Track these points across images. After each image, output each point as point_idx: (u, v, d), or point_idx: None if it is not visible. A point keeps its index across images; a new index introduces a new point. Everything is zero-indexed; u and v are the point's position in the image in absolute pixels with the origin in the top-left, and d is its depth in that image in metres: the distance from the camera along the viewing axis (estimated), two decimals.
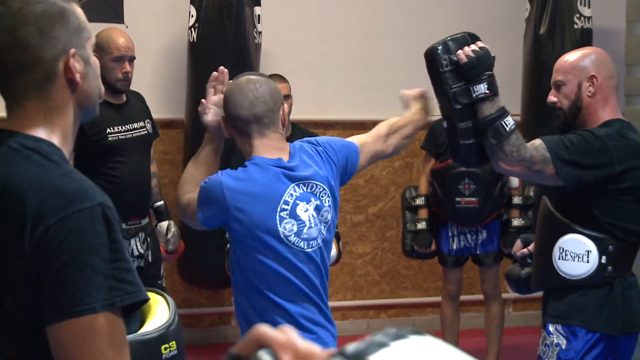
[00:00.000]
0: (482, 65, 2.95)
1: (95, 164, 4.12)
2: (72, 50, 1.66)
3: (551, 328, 3.02)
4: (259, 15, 5.46)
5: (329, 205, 2.73)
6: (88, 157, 4.12)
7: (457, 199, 4.89)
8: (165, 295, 1.79)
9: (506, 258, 5.08)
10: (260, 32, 5.47)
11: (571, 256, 2.99)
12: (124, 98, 4.36)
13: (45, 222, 1.54)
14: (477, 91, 2.93)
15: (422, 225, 5.00)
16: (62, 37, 1.65)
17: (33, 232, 1.54)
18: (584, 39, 5.60)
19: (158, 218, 4.52)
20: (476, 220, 4.87)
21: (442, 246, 5.14)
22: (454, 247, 5.14)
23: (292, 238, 2.64)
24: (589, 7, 5.63)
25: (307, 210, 2.68)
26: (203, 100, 2.86)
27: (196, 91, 5.28)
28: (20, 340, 1.61)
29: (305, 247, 2.67)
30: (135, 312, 1.65)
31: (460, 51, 2.97)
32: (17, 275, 1.57)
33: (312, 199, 2.68)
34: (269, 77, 4.85)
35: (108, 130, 4.23)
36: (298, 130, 4.94)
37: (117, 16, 5.44)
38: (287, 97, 4.74)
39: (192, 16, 5.36)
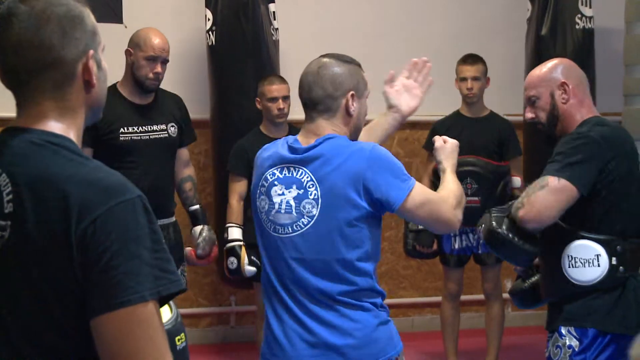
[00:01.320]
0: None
1: (108, 162, 4.05)
2: (91, 52, 1.68)
3: (564, 330, 3.02)
4: (274, 12, 5.48)
5: (315, 199, 2.65)
6: (102, 154, 4.12)
7: None
8: None
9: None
10: (277, 29, 5.49)
11: (581, 262, 3.00)
12: (151, 99, 4.37)
13: (91, 214, 1.55)
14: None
15: None
16: (83, 39, 1.67)
17: (80, 223, 1.55)
18: (586, 39, 5.66)
19: (193, 222, 4.51)
20: (478, 220, 4.83)
21: (444, 246, 5.13)
22: (456, 246, 5.13)
23: (263, 216, 2.68)
24: (590, 7, 5.66)
25: (282, 194, 2.66)
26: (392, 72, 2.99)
27: (219, 93, 5.43)
28: (60, 333, 1.62)
29: (271, 230, 2.67)
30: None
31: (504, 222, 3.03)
32: (60, 270, 1.58)
33: (294, 187, 2.65)
34: (268, 78, 4.87)
35: (121, 129, 4.24)
36: (295, 130, 4.87)
37: (115, 16, 5.48)
38: (286, 98, 4.80)
39: (209, 20, 5.40)
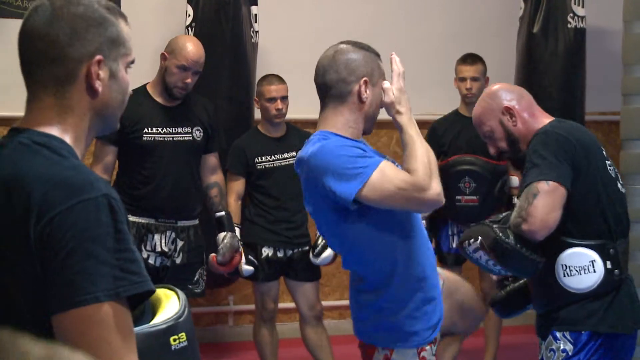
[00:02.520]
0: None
1: (131, 161, 4.23)
2: (99, 57, 1.69)
3: (558, 334, 3.02)
4: (255, 15, 5.48)
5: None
6: (125, 153, 4.23)
7: (458, 197, 4.86)
8: (177, 290, 1.79)
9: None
10: (257, 32, 5.48)
11: (576, 270, 2.99)
12: (179, 101, 4.39)
13: (50, 212, 1.56)
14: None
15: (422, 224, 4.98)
16: (94, 42, 1.69)
17: (38, 222, 1.56)
18: (578, 38, 5.68)
19: (218, 229, 4.49)
20: (476, 219, 4.81)
21: (442, 245, 5.11)
22: (454, 245, 5.07)
23: None
24: (582, 7, 5.68)
25: None
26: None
27: (195, 91, 5.33)
28: (26, 330, 1.55)
29: None
30: (145, 305, 1.68)
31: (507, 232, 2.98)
32: (23, 266, 1.59)
33: None
34: (267, 78, 4.85)
35: (145, 130, 4.27)
36: (292, 129, 4.98)
37: None
38: (285, 98, 4.82)
39: (189, 15, 5.39)
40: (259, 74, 5.37)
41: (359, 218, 2.64)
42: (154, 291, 1.65)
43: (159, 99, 4.35)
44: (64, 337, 1.55)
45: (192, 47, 4.38)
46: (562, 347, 3.02)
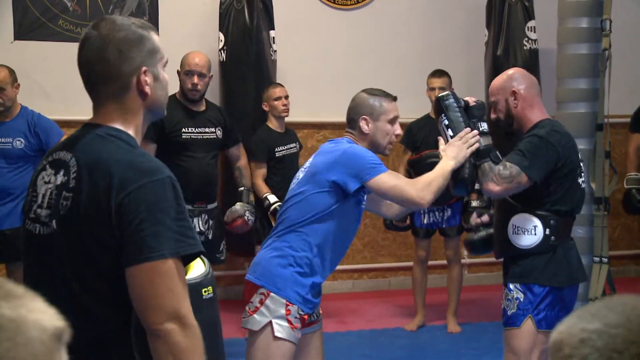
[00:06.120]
0: (483, 108, 3.20)
1: (170, 155, 4.38)
2: (144, 68, 1.77)
3: (511, 286, 3.14)
4: (273, 37, 5.78)
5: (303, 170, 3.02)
6: (165, 148, 4.48)
7: None
8: (203, 257, 1.85)
9: (465, 231, 5.22)
10: (275, 51, 5.79)
11: (522, 231, 3.10)
12: (202, 107, 4.72)
13: (127, 188, 1.65)
14: (482, 126, 3.14)
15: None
16: (138, 57, 1.76)
17: (117, 195, 1.65)
18: (532, 57, 6.02)
19: (238, 199, 4.88)
20: (443, 201, 4.88)
21: (415, 221, 5.39)
22: (425, 221, 5.40)
23: None
24: (534, 32, 6.06)
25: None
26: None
27: (227, 102, 5.65)
28: (106, 281, 1.71)
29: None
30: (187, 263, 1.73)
31: (467, 97, 3.19)
32: (104, 230, 1.67)
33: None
34: (270, 85, 5.23)
35: (183, 129, 4.59)
36: (290, 130, 5.38)
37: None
38: (287, 97, 5.21)
39: (221, 41, 5.70)
40: None
41: (344, 200, 2.91)
42: (204, 252, 1.73)
43: (189, 106, 4.62)
44: (136, 285, 1.64)
45: (192, 54, 4.65)
46: (515, 296, 3.13)
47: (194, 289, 1.74)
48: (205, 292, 1.81)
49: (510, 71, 3.28)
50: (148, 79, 1.76)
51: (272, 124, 5.25)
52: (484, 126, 3.14)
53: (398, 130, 3.08)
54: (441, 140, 3.11)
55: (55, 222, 1.73)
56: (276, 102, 5.15)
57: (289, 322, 2.87)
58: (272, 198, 5.04)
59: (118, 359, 1.73)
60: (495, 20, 6.08)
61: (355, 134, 3.08)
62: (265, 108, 5.22)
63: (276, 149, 5.22)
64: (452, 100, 3.13)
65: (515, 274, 3.15)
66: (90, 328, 1.68)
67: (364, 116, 3.05)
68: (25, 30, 5.79)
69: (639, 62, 6.93)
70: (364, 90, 3.13)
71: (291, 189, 3.05)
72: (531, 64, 5.95)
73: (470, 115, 3.13)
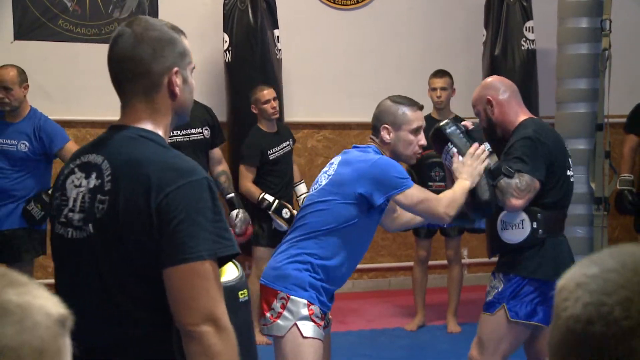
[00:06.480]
0: (480, 130, 3.24)
1: None
2: (176, 69, 1.78)
3: (495, 275, 3.24)
4: (278, 36, 5.80)
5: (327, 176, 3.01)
6: None
7: (429, 183, 5.00)
8: (235, 260, 1.86)
9: (466, 232, 5.44)
10: (280, 50, 5.80)
11: (510, 226, 3.16)
12: None
13: (166, 189, 1.65)
14: (487, 147, 3.16)
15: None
16: (170, 57, 1.77)
17: (157, 196, 1.65)
18: (529, 57, 6.02)
19: (230, 207, 4.76)
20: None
21: None
22: (426, 221, 5.22)
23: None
24: (532, 33, 6.04)
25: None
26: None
27: (234, 103, 5.73)
28: (143, 282, 1.70)
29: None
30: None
31: (464, 122, 3.22)
32: (143, 232, 1.66)
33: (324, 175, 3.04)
34: (258, 87, 5.09)
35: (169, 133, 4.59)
36: (282, 127, 5.35)
37: None
38: (275, 98, 5.14)
39: (226, 42, 5.70)
40: (283, 84, 5.67)
41: (369, 211, 2.91)
42: (240, 253, 1.72)
43: None
44: (173, 286, 1.63)
45: None
46: (496, 285, 3.22)
47: (231, 291, 1.76)
48: (241, 294, 1.82)
49: (486, 81, 3.35)
50: (178, 80, 1.77)
51: (263, 125, 5.21)
52: (488, 146, 3.17)
53: (422, 141, 3.07)
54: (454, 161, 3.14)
55: (91, 225, 1.73)
56: (265, 106, 5.10)
57: (313, 320, 2.91)
58: (270, 197, 5.03)
59: None
60: (493, 20, 6.08)
61: (378, 142, 3.08)
62: (255, 111, 5.17)
63: (269, 152, 5.19)
64: (453, 127, 3.17)
65: (500, 264, 3.23)
66: (128, 330, 1.70)
67: (385, 125, 3.04)
68: (25, 30, 5.80)
69: (639, 62, 6.95)
70: (388, 97, 3.12)
71: (312, 194, 3.04)
72: (529, 64, 5.99)
73: (472, 138, 3.17)
